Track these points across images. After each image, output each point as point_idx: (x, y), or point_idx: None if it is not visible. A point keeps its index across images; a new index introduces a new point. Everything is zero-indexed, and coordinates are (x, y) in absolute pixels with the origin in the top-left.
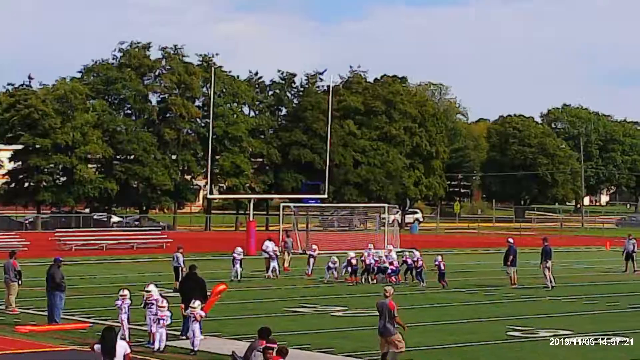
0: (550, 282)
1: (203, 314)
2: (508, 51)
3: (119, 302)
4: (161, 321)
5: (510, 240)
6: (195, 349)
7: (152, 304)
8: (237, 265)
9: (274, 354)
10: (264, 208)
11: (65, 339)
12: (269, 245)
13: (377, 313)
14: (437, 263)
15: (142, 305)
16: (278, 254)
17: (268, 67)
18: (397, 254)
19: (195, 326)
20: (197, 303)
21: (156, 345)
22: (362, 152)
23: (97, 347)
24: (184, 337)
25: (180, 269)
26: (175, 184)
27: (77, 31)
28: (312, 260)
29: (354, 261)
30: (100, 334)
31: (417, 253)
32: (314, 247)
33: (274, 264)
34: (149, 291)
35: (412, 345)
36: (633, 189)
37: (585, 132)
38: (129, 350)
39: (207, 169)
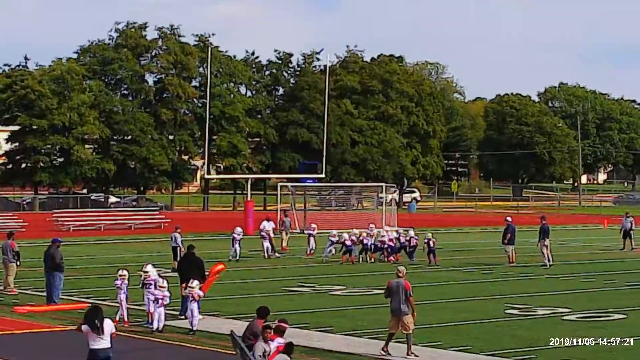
0: (548, 260)
1: (201, 293)
2: (505, 30)
3: (119, 282)
4: (160, 301)
5: (509, 218)
6: (194, 328)
7: (151, 284)
8: (236, 245)
9: (272, 333)
10: (262, 188)
11: (64, 320)
12: (266, 225)
13: (389, 293)
14: (426, 240)
15: (140, 285)
16: (272, 234)
17: (265, 47)
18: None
19: (194, 306)
20: (195, 283)
21: (155, 325)
22: (359, 131)
23: (84, 327)
24: (183, 317)
25: (178, 249)
26: (173, 164)
27: (74, 11)
28: (312, 239)
29: (348, 242)
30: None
31: (411, 232)
32: (313, 225)
33: (267, 244)
34: (146, 271)
35: None
36: (630, 167)
37: (583, 110)
38: (114, 330)
39: (205, 149)
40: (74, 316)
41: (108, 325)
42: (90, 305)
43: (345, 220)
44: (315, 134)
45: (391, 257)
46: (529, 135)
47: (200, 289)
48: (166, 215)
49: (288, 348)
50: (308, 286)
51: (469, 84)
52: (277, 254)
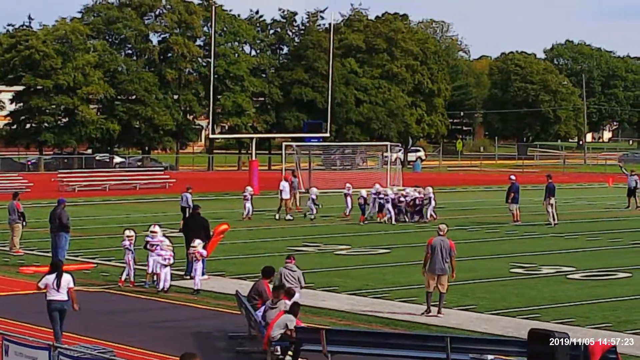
0: (554, 219)
1: (204, 252)
2: None
3: (126, 243)
4: (166, 260)
5: (513, 177)
6: (196, 287)
7: (157, 244)
8: (248, 203)
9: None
10: (266, 147)
11: None
12: (285, 186)
13: (431, 250)
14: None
15: (144, 246)
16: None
17: (269, 5)
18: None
19: (197, 265)
20: (197, 242)
21: (161, 285)
22: (364, 90)
23: (41, 283)
24: (188, 277)
25: (188, 209)
26: (177, 124)
27: None
28: (348, 199)
29: (361, 201)
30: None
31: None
32: (348, 185)
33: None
34: (154, 232)
35: (414, 283)
36: (635, 125)
37: (588, 68)
38: (72, 285)
39: (209, 108)
40: (79, 277)
41: (65, 280)
42: (55, 260)
43: (350, 179)
44: (319, 93)
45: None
46: (534, 94)
47: (204, 248)
48: (171, 175)
49: (293, 308)
50: (313, 246)
51: (473, 42)
52: (289, 216)
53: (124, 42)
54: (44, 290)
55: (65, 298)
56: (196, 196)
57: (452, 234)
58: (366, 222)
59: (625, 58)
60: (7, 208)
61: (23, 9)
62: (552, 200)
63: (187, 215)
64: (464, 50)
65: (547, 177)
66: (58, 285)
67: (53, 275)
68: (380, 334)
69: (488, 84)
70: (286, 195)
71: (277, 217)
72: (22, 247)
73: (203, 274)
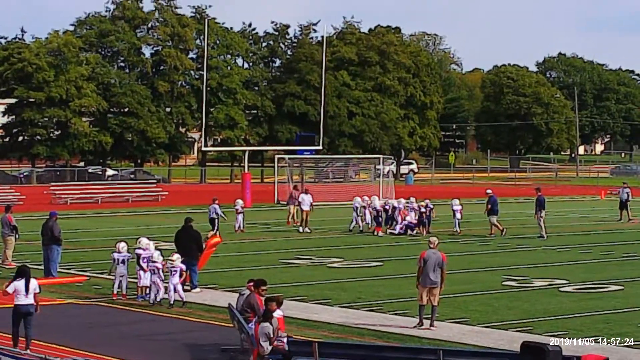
0: (542, 231)
1: (183, 267)
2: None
3: (120, 256)
4: (175, 274)
5: (489, 190)
6: (171, 301)
7: (145, 258)
8: (239, 217)
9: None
10: (259, 160)
11: (62, 293)
12: (305, 198)
13: (424, 263)
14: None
15: (137, 261)
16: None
17: (261, 18)
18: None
19: (174, 278)
20: (175, 256)
21: (171, 298)
22: (357, 103)
23: (9, 288)
24: (189, 289)
25: (217, 220)
26: (170, 137)
27: None
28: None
29: (374, 213)
30: (97, 287)
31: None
32: (366, 198)
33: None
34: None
35: (407, 296)
36: (627, 137)
37: (580, 81)
38: (38, 290)
39: (202, 121)
40: (72, 289)
41: (33, 285)
42: (19, 265)
43: (342, 192)
44: (312, 105)
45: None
46: (526, 106)
47: (183, 262)
48: (163, 188)
49: (265, 314)
50: (305, 258)
51: (466, 55)
52: (307, 229)
53: (116, 55)
54: (11, 295)
55: (32, 302)
56: (189, 209)
57: (445, 246)
58: (382, 234)
59: (617, 71)
60: None
61: (16, 22)
62: (543, 213)
63: (217, 225)
64: (457, 63)
65: (536, 190)
66: (27, 290)
67: (22, 281)
68: (373, 347)
69: (480, 96)
70: (306, 207)
71: (300, 229)
72: (14, 260)
73: (195, 286)
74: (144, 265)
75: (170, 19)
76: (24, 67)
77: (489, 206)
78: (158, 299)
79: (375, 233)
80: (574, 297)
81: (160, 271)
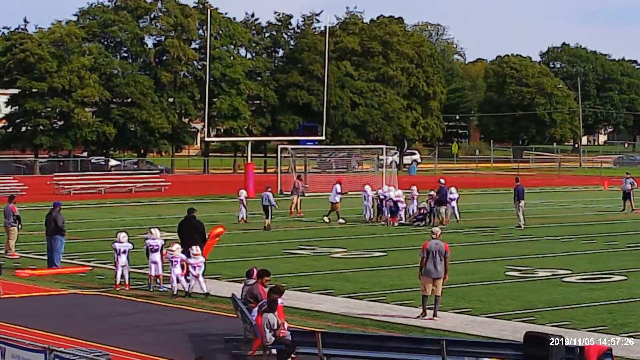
0: (521, 220)
1: (183, 257)
2: None
3: (121, 246)
4: (197, 269)
5: (442, 180)
6: (174, 291)
7: (156, 249)
8: (243, 206)
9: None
10: (262, 150)
11: (66, 283)
12: (337, 187)
13: (426, 254)
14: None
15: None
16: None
17: (264, 8)
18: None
19: (176, 268)
20: (175, 247)
21: (186, 288)
22: (360, 93)
23: None
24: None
25: (270, 207)
26: (173, 127)
27: None
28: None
29: (390, 203)
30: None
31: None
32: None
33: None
34: (153, 235)
35: (410, 286)
36: (631, 128)
37: (583, 71)
38: None
39: (205, 111)
40: (75, 280)
41: None
42: None
43: (345, 182)
44: (315, 96)
45: (394, 218)
46: (530, 97)
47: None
48: (167, 178)
49: (270, 305)
50: (309, 248)
51: (469, 45)
52: (325, 218)
53: (119, 45)
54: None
55: None
56: (192, 199)
57: (448, 236)
58: (396, 224)
59: (620, 61)
60: (2, 211)
61: (19, 12)
62: (522, 203)
63: (270, 213)
64: (460, 53)
65: (515, 180)
66: None
67: None
68: (376, 337)
69: (483, 87)
70: (335, 198)
71: (326, 219)
72: (17, 250)
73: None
74: (156, 255)
75: (173, 9)
76: (27, 57)
77: (438, 197)
78: (188, 290)
79: (390, 224)
80: (577, 288)
81: (179, 264)
